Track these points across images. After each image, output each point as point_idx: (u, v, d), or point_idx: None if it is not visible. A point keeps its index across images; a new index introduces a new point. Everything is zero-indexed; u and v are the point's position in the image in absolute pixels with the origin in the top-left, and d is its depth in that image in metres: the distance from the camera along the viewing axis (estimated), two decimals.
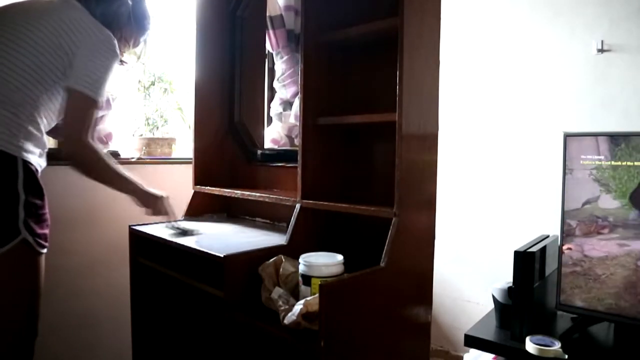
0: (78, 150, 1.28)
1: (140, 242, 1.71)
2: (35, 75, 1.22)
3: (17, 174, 1.18)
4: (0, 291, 1.22)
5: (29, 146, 1.22)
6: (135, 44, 1.51)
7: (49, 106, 1.27)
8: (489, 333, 1.27)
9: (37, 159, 1.26)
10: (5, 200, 1.17)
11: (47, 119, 1.29)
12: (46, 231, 1.29)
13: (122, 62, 1.47)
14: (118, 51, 1.34)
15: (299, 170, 1.46)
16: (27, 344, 1.32)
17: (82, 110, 1.27)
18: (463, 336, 1.27)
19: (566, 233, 1.23)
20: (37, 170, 1.26)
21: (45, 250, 1.30)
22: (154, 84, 2.50)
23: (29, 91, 1.22)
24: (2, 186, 1.17)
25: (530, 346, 1.12)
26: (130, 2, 1.44)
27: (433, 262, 1.38)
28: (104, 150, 1.34)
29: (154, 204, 1.51)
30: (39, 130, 1.26)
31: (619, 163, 1.16)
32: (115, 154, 1.97)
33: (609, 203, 1.17)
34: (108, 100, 1.91)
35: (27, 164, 1.21)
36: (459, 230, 2.31)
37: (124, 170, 1.40)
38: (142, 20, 1.49)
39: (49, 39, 1.23)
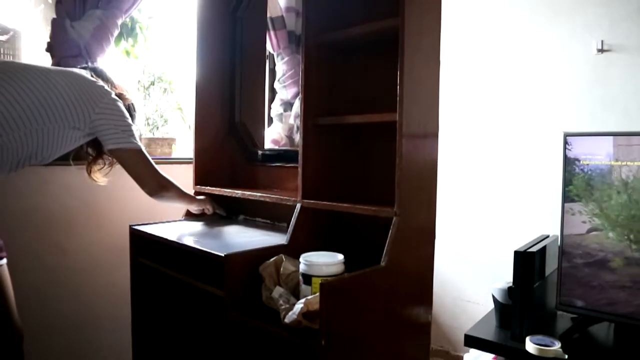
0: (161, 193, 1.53)
1: (140, 242, 1.71)
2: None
3: None
4: None
5: None
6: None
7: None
8: (489, 333, 1.27)
9: None
10: None
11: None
12: None
13: None
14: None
15: (300, 170, 1.46)
16: (8, 348, 1.33)
17: (139, 160, 1.48)
18: (463, 336, 1.28)
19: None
20: None
21: (3, 261, 1.33)
22: (153, 84, 2.50)
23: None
24: None
25: (530, 346, 1.12)
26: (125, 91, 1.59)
27: (433, 262, 1.38)
28: (173, 183, 1.59)
29: (205, 205, 1.82)
30: None
31: (619, 163, 1.16)
32: None
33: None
34: None
35: None
36: (459, 230, 2.31)
37: (185, 190, 1.68)
38: (134, 112, 1.60)
39: (68, 88, 1.33)
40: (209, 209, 1.83)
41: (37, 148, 1.30)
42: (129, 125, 1.45)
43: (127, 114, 1.46)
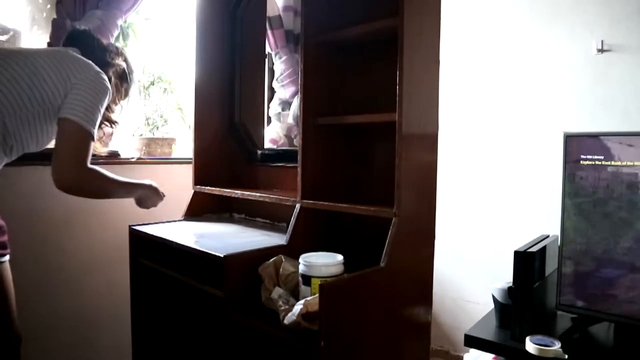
0: (81, 176, 1.27)
1: (140, 242, 1.71)
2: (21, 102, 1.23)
3: None
4: None
5: None
6: (123, 95, 1.54)
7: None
8: (489, 333, 1.27)
9: None
10: None
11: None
12: (4, 239, 1.30)
13: (108, 106, 1.44)
14: (110, 87, 1.36)
15: (299, 170, 1.46)
16: (6, 351, 1.32)
17: (78, 140, 1.26)
18: (463, 336, 1.28)
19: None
20: None
21: (6, 258, 1.31)
22: (153, 84, 2.49)
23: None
24: None
25: (530, 346, 1.12)
26: (118, 55, 1.50)
27: (433, 262, 1.38)
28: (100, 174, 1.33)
29: (157, 195, 1.60)
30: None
31: (619, 163, 1.16)
32: (115, 154, 1.97)
33: None
34: None
35: None
36: (459, 230, 2.31)
37: (120, 177, 1.42)
38: (130, 74, 1.53)
39: (51, 70, 1.26)
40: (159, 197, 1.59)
41: (27, 135, 1.27)
42: (96, 108, 1.29)
43: (104, 98, 1.32)
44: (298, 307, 1.11)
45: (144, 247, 1.71)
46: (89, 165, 1.28)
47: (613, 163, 1.16)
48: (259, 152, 1.98)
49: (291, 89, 2.00)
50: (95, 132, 1.30)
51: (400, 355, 1.29)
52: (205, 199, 1.95)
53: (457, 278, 2.33)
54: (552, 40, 2.00)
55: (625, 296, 1.15)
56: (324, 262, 1.21)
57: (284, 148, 1.99)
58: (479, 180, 2.24)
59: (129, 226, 1.74)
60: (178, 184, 2.02)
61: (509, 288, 1.27)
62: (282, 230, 1.56)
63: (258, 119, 2.12)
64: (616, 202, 1.16)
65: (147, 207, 1.61)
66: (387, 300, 1.22)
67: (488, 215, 2.21)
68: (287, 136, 2.04)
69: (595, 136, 1.20)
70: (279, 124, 2.05)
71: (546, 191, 2.00)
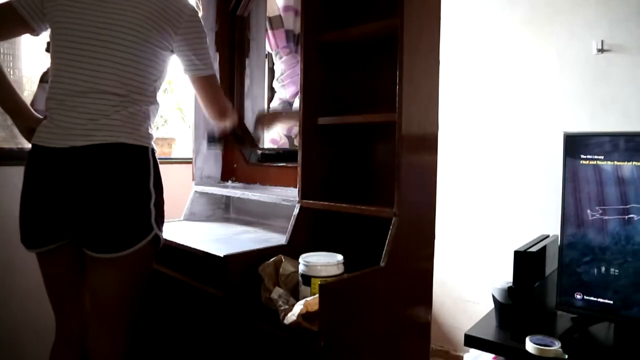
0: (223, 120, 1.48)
1: None
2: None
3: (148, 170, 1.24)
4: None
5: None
6: None
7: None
8: (489, 333, 1.27)
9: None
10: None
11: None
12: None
13: None
14: None
15: (299, 170, 1.46)
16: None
17: (214, 87, 1.43)
18: (463, 336, 1.27)
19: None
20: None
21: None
22: None
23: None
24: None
25: (530, 346, 1.12)
26: None
27: (433, 262, 1.38)
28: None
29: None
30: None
31: (619, 163, 1.16)
32: None
33: None
34: None
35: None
36: (459, 230, 2.31)
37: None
38: None
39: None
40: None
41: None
42: (207, 46, 1.39)
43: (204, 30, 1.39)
44: (298, 307, 1.11)
45: None
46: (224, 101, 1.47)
47: (613, 163, 1.16)
48: (259, 152, 1.98)
49: (291, 89, 2.00)
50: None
51: (400, 355, 1.29)
52: (205, 198, 1.95)
53: (457, 278, 2.33)
54: (552, 40, 2.00)
55: (625, 296, 1.15)
56: (324, 262, 1.21)
57: (284, 148, 1.99)
58: (479, 180, 2.24)
59: None
60: (178, 184, 2.02)
61: (509, 288, 1.26)
62: (282, 230, 1.56)
63: None
64: (616, 202, 1.16)
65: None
66: (387, 300, 1.22)
67: (488, 215, 2.21)
68: (288, 136, 2.04)
69: (595, 136, 1.20)
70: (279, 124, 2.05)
71: (546, 191, 1.99)
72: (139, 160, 1.22)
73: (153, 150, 1.27)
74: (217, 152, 2.05)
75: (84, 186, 1.17)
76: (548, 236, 1.37)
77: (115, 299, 1.29)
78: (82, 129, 1.17)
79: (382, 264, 1.18)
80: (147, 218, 1.22)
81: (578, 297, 1.22)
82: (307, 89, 1.46)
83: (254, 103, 2.12)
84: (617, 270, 1.16)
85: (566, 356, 1.09)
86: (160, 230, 1.28)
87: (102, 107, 1.18)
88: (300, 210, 1.45)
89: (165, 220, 1.74)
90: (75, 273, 1.30)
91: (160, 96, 1.35)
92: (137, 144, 1.21)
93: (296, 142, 1.89)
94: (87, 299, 1.34)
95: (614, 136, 1.17)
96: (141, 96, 1.24)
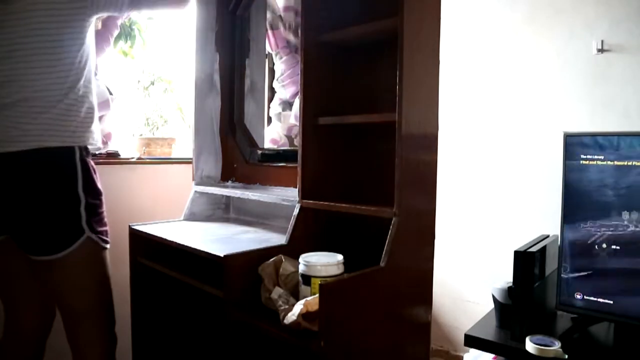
0: None
1: (140, 241, 1.71)
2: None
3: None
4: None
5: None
6: None
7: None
8: (489, 333, 1.27)
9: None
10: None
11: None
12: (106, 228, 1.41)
13: None
14: None
15: (299, 170, 1.46)
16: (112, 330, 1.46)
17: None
18: (463, 336, 1.28)
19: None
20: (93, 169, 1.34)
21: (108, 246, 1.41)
22: (153, 84, 2.50)
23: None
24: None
25: (530, 346, 1.12)
26: None
27: (433, 262, 1.38)
28: None
29: None
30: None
31: (619, 163, 1.16)
32: (115, 154, 1.97)
33: None
34: (107, 101, 1.91)
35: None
36: (459, 230, 2.31)
37: None
38: None
39: None
40: None
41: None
42: None
43: None
44: (298, 307, 1.11)
45: (144, 246, 1.71)
46: None
47: (613, 163, 1.16)
48: (259, 152, 1.98)
49: (292, 89, 2.00)
50: None
51: (400, 355, 1.29)
52: (205, 198, 1.95)
53: (457, 278, 2.33)
54: (552, 40, 2.00)
55: (625, 296, 1.15)
56: (324, 262, 1.21)
57: (284, 148, 1.99)
58: (479, 180, 2.24)
59: (129, 226, 1.74)
60: (178, 183, 2.02)
61: (509, 288, 1.27)
62: (282, 230, 1.56)
63: (258, 119, 2.12)
64: (616, 202, 1.16)
65: None
66: (387, 300, 1.22)
67: (488, 215, 2.21)
68: (288, 136, 2.04)
69: (595, 136, 1.20)
70: (279, 124, 2.05)
71: (546, 191, 2.00)
72: (64, 165, 1.24)
73: (86, 150, 1.29)
74: (217, 151, 2.05)
75: (12, 193, 1.22)
76: (548, 236, 1.37)
77: (72, 299, 1.35)
78: (7, 136, 1.21)
79: (382, 264, 1.18)
80: (76, 222, 1.27)
81: (578, 297, 1.22)
82: (307, 89, 1.46)
83: (254, 103, 2.12)
84: (617, 271, 1.16)
85: (566, 356, 1.09)
86: (99, 232, 1.34)
87: (25, 114, 1.21)
88: (300, 210, 1.45)
89: (164, 220, 1.76)
90: (19, 267, 1.35)
91: (93, 86, 1.34)
92: (63, 146, 1.23)
93: (296, 142, 1.89)
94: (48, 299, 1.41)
95: (613, 136, 1.17)
96: (61, 96, 1.25)
